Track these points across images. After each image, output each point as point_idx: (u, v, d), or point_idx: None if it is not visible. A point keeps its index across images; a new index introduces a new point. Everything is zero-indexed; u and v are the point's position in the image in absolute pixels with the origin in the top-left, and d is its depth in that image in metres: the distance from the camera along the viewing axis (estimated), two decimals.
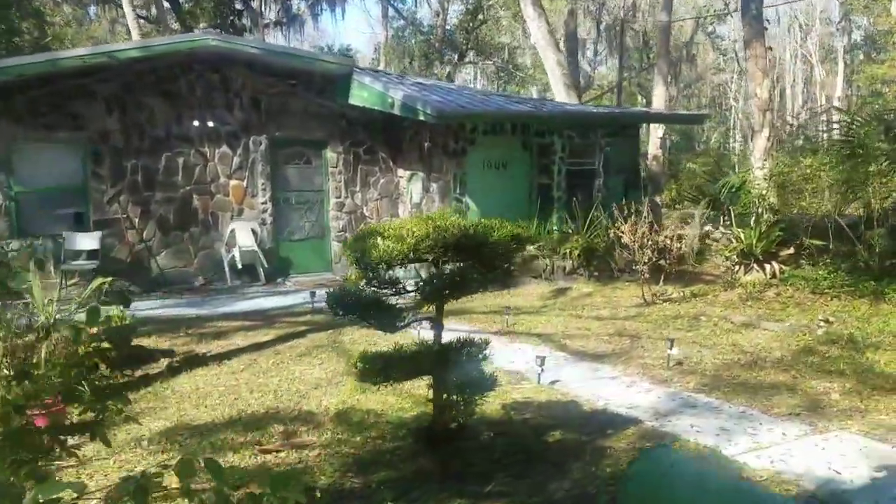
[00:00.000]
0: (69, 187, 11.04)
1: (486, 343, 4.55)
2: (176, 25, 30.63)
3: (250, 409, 5.67)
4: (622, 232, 9.88)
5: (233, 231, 12.06)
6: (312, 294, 9.96)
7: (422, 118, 11.39)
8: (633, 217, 9.84)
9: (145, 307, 10.07)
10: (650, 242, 9.58)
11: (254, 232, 12.17)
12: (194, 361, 6.91)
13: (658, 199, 17.12)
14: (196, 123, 11.75)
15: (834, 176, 9.61)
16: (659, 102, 17.27)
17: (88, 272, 10.87)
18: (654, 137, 17.63)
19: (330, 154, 13.03)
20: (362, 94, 12.47)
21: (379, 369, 4.14)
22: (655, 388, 6.31)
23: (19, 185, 10.65)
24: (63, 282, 10.81)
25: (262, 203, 12.46)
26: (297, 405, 5.77)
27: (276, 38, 37.23)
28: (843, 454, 4.75)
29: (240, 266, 11.97)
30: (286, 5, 35.51)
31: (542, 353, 7.47)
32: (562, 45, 29.94)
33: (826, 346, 7.46)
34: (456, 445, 4.49)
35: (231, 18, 31.58)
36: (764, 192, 10.62)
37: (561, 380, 6.54)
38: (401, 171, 13.65)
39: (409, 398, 5.89)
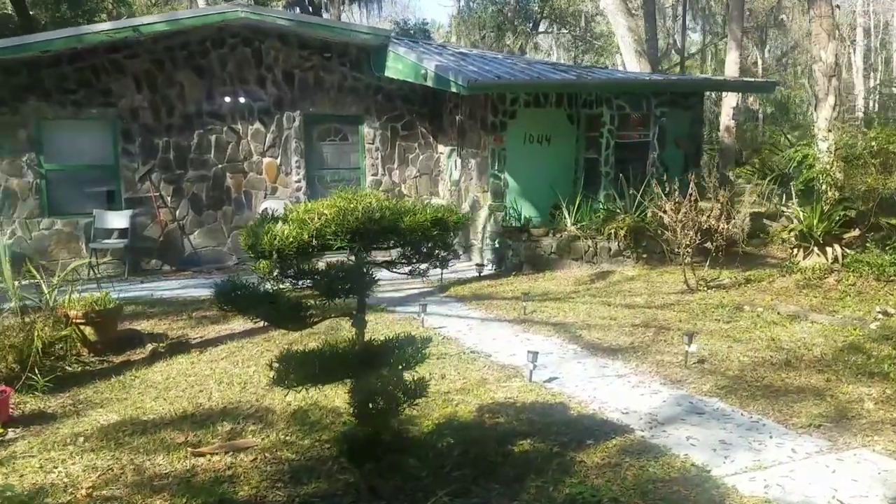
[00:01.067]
0: (100, 165, 10.98)
1: (427, 340, 3.99)
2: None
3: (210, 404, 5.30)
4: (663, 211, 9.05)
5: (265, 210, 11.79)
6: None
7: (454, 90, 10.77)
8: (675, 194, 8.97)
9: (166, 287, 9.96)
10: (691, 223, 8.71)
11: None
12: (179, 347, 6.63)
13: (730, 173, 15.95)
14: (227, 99, 11.49)
15: None
16: (731, 69, 16.02)
17: (119, 251, 10.88)
18: (725, 107, 16.39)
19: (366, 130, 12.58)
20: (397, 67, 11.93)
21: (293, 372, 3.65)
22: (664, 389, 5.61)
23: (49, 163, 10.66)
24: (95, 260, 10.88)
25: (297, 181, 12.15)
26: (259, 399, 5.37)
27: (353, 15, 37.19)
28: (856, 479, 3.99)
29: None
30: None
31: (551, 345, 6.89)
32: (639, 9, 28.59)
33: (876, 342, 6.53)
34: (395, 457, 3.96)
35: None
36: (827, 166, 9.52)
37: (560, 377, 5.92)
38: (441, 147, 13.09)
39: None
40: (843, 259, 9.09)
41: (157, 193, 11.24)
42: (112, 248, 10.78)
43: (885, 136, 8.67)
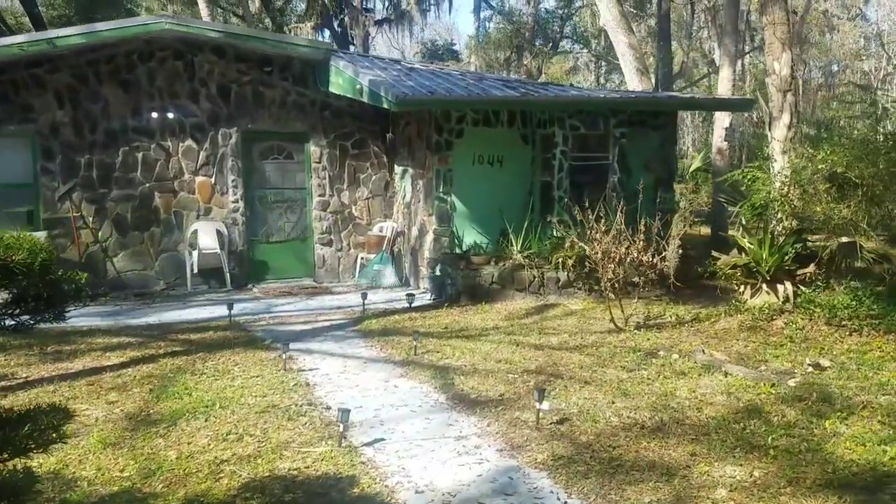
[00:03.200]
0: (18, 184, 10.46)
1: (68, 416, 3.14)
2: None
3: None
4: (585, 241, 8.09)
5: (195, 232, 11.14)
6: (230, 306, 8.88)
7: (385, 105, 10.00)
8: (601, 223, 7.99)
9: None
10: (610, 256, 7.73)
11: (219, 233, 11.20)
12: None
13: (723, 199, 14.78)
14: (154, 115, 10.90)
15: (860, 172, 7.37)
16: (725, 86, 14.89)
17: None
18: (717, 128, 15.24)
19: (313, 148, 11.85)
20: (338, 81, 11.21)
21: None
22: (496, 457, 4.68)
23: None
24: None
25: (234, 202, 11.46)
26: None
27: (385, 37, 36.97)
28: None
29: (196, 270, 11.02)
30: (395, 2, 34.84)
31: (415, 395, 6.01)
32: (653, 27, 27.51)
33: (784, 404, 5.48)
34: None
35: (341, 17, 31.26)
36: (779, 192, 8.42)
37: (388, 438, 5.03)
38: (396, 167, 12.29)
39: (151, 460, 4.59)
40: (794, 298, 7.99)
41: (78, 213, 10.67)
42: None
43: (835, 159, 7.56)
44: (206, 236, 11.12)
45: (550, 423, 5.19)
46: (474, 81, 11.35)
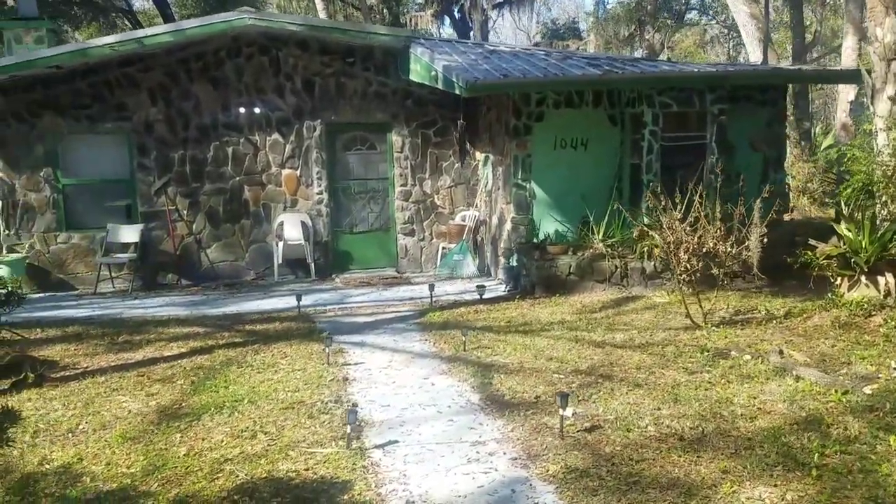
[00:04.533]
0: (116, 179, 11.04)
1: (16, 417, 3.14)
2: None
3: None
4: (649, 229, 7.54)
5: (281, 223, 11.36)
6: (298, 297, 8.94)
7: (457, 91, 9.73)
8: (678, 208, 7.41)
9: (150, 304, 9.78)
10: (684, 245, 7.13)
11: (304, 224, 11.35)
12: (38, 380, 6.15)
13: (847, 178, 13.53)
14: (242, 110, 11.17)
15: None
16: (849, 57, 13.57)
17: (134, 265, 10.86)
18: (841, 102, 13.93)
19: (395, 137, 11.79)
20: (416, 69, 11.05)
21: None
22: (506, 467, 4.39)
23: (67, 178, 10.84)
24: (108, 274, 10.93)
25: (318, 193, 11.59)
26: None
27: (510, 19, 36.83)
28: None
29: (280, 261, 11.24)
30: None
31: (448, 394, 5.81)
32: None
33: (851, 415, 4.82)
34: None
35: (461, 2, 31.28)
36: (882, 173, 7.47)
37: (401, 441, 4.84)
38: (478, 154, 12.04)
39: (160, 456, 4.62)
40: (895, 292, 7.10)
41: (173, 207, 11.11)
42: (119, 262, 10.77)
43: None
44: (291, 228, 11.31)
45: (578, 431, 4.81)
46: (557, 61, 10.85)
